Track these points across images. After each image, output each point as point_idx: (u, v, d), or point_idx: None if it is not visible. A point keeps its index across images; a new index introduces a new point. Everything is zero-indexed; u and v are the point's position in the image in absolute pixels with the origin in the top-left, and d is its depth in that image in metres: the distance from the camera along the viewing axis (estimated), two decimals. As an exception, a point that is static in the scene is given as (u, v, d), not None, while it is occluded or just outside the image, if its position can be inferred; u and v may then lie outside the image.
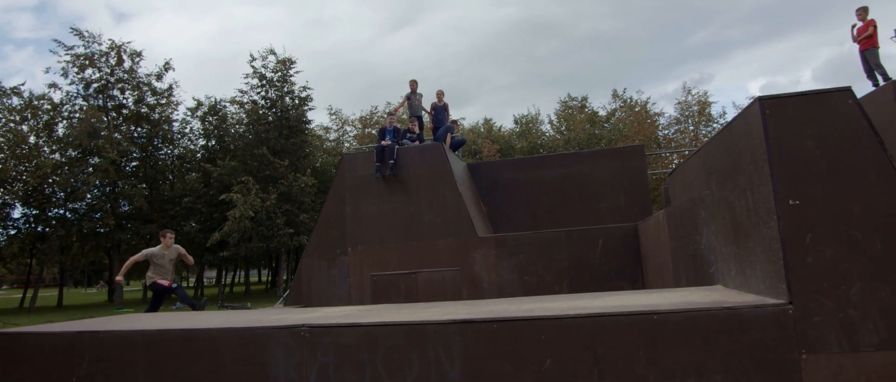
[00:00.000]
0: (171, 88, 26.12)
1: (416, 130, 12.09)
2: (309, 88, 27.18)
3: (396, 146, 11.05)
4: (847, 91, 3.37)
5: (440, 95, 12.84)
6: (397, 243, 10.79)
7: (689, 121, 36.48)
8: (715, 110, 36.16)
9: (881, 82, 9.78)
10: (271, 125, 25.49)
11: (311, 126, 32.57)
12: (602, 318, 3.45)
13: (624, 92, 39.46)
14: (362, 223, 11.04)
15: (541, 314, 3.58)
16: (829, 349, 3.18)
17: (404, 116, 12.42)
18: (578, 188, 12.64)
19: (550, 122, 40.76)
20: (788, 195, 3.33)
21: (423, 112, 13.03)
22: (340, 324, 3.92)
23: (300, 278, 11.33)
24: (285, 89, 26.40)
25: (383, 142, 11.15)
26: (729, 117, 48.07)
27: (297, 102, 26.53)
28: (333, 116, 33.79)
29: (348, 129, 35.01)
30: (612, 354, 3.42)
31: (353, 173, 11.25)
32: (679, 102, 36.89)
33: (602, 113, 40.31)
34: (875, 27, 10.01)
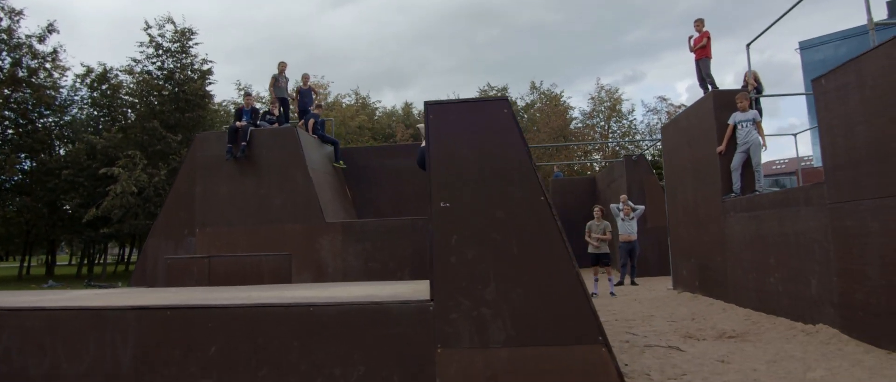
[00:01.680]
0: (55, 51, 24.60)
1: (277, 112, 11.92)
2: (210, 62, 26.34)
3: (250, 128, 10.87)
4: (504, 101, 3.55)
5: (305, 78, 12.69)
6: (246, 226, 10.68)
7: (600, 116, 37.63)
8: (625, 107, 37.29)
9: (709, 91, 10.36)
10: (166, 98, 24.47)
11: (218, 101, 31.50)
12: (263, 308, 3.53)
13: (541, 84, 40.19)
14: (211, 205, 10.84)
15: (208, 303, 3.63)
16: (461, 344, 3.36)
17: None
18: (442, 178, 12.82)
19: (468, 110, 41.08)
20: (441, 198, 3.49)
21: (288, 95, 12.83)
22: (25, 307, 3.85)
23: (145, 258, 11.04)
24: (184, 61, 25.39)
25: (238, 123, 10.94)
26: (636, 114, 49.16)
27: (196, 75, 25.57)
28: (241, 91, 32.84)
29: (259, 106, 34.08)
30: (270, 343, 3.51)
31: (206, 153, 11.02)
32: (592, 98, 38.02)
33: (520, 103, 41.04)
34: (709, 39, 10.59)
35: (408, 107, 41.25)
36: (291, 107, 12.77)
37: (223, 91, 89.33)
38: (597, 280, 12.05)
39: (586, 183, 21.62)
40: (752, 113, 9.22)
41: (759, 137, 9.16)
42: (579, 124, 37.62)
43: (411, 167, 12.89)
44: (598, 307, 10.31)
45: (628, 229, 13.46)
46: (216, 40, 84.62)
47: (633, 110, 43.57)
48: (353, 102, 37.37)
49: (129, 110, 26.06)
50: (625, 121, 37.85)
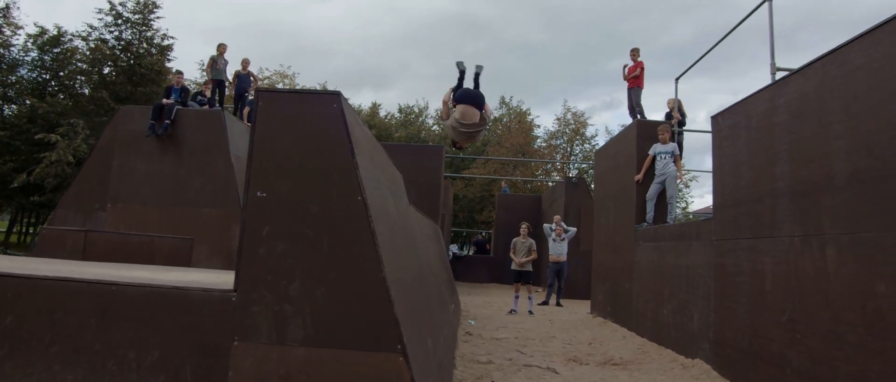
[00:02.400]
0: (7, 7, 23.78)
1: (208, 94, 11.71)
2: (171, 37, 25.79)
3: (176, 107, 10.64)
4: (336, 95, 3.50)
5: (245, 63, 12.51)
6: (160, 206, 10.42)
7: (563, 136, 38.01)
8: (589, 132, 37.80)
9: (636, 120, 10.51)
10: (121, 70, 23.88)
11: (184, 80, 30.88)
12: (63, 283, 3.41)
13: (510, 99, 40.53)
14: (127, 181, 10.56)
15: (6, 271, 3.49)
16: (259, 339, 3.27)
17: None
18: (374, 179, 12.74)
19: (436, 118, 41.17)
20: (258, 187, 3.41)
21: (226, 79, 12.62)
22: None
23: (53, 227, 10.69)
24: (145, 34, 24.84)
25: (165, 100, 10.71)
26: (599, 140, 50.04)
27: (155, 50, 25.03)
28: (202, 71, 32.16)
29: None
30: (67, 319, 3.39)
31: (127, 127, 10.74)
32: (558, 118, 38.43)
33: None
34: (642, 69, 10.76)
35: (375, 107, 41.07)
36: (227, 91, 12.56)
37: (190, 70, 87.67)
38: (517, 297, 12.08)
39: (532, 201, 21.77)
40: (672, 146, 9.37)
41: (676, 170, 9.31)
42: (542, 143, 37.94)
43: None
44: (511, 323, 10.34)
45: (558, 250, 13.54)
46: (194, 17, 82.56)
47: (596, 135, 44.21)
48: (319, 97, 37.04)
49: (82, 78, 25.33)
50: (587, 145, 38.29)
